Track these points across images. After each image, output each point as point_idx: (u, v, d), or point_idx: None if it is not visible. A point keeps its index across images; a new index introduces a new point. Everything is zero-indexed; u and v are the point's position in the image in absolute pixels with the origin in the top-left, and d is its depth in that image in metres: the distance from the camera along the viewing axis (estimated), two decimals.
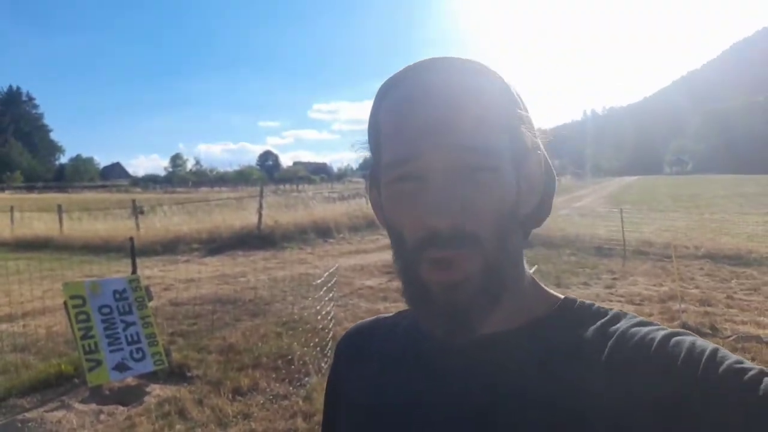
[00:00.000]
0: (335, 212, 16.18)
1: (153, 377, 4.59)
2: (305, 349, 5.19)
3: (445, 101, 0.55)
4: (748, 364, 0.49)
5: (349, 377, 0.72)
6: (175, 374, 4.71)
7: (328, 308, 5.82)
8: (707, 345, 0.51)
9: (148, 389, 4.41)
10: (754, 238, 11.59)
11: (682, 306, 6.45)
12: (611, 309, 0.60)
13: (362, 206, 16.78)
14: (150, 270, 9.68)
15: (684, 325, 5.75)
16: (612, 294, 7.67)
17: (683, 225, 13.42)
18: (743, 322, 6.10)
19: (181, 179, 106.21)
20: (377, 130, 0.61)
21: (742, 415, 0.45)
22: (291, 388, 4.42)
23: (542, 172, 0.62)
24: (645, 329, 0.55)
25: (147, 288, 5.01)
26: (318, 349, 5.11)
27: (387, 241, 0.62)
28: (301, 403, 4.12)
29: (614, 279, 8.68)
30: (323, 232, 14.15)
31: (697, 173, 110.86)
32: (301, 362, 4.91)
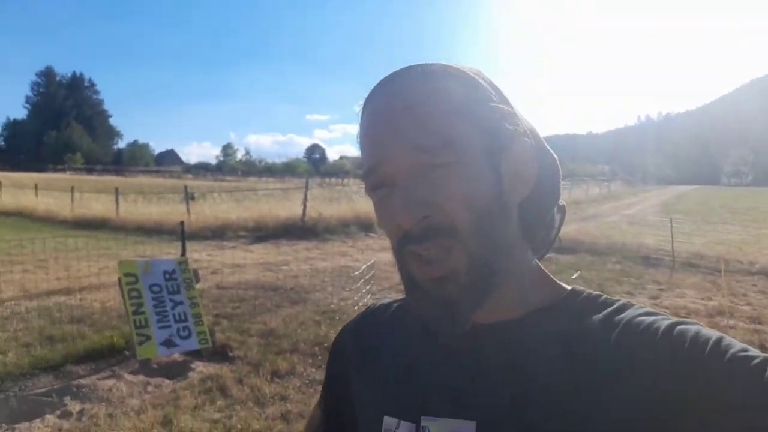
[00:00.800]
0: None
1: (197, 355, 4.79)
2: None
3: (400, 107, 0.57)
4: (753, 351, 0.49)
5: (365, 354, 0.73)
6: (218, 353, 4.91)
7: (365, 300, 5.91)
8: (712, 333, 0.52)
9: (192, 366, 4.61)
10: None
11: (731, 322, 6.26)
12: (618, 299, 0.61)
13: None
14: (198, 254, 10.02)
15: None
16: (656, 305, 7.48)
17: (738, 238, 12.92)
18: None
19: (230, 168, 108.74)
20: (360, 144, 0.63)
21: (748, 401, 0.46)
22: None
23: (531, 158, 0.62)
24: (651, 318, 0.56)
25: (195, 270, 5.23)
26: None
27: None
28: None
29: (660, 290, 8.46)
30: (365, 226, 14.29)
31: (757, 186, 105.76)
32: None
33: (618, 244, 11.76)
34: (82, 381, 4.18)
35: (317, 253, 11.13)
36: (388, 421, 0.63)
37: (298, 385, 4.31)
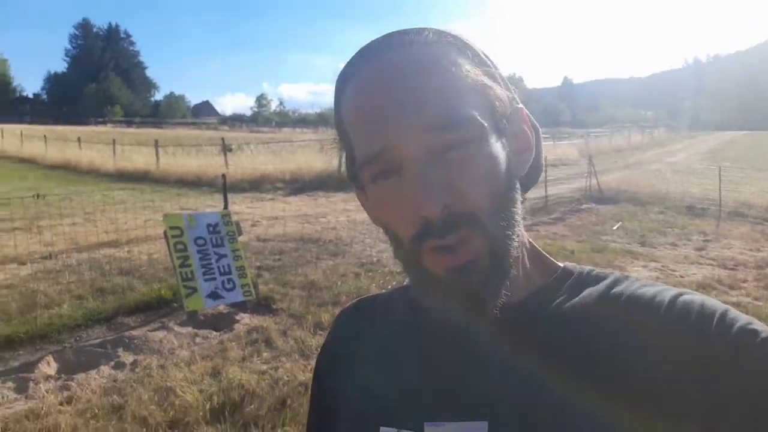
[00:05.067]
0: None
1: (242, 307, 4.92)
2: (382, 290, 5.35)
3: (403, 82, 0.51)
4: (758, 324, 0.49)
5: (355, 351, 0.68)
6: (262, 306, 5.03)
7: None
8: (717, 305, 0.51)
9: (237, 318, 4.74)
10: None
11: None
12: (611, 272, 0.60)
13: None
14: (238, 206, 10.18)
15: None
16: (702, 257, 7.29)
17: None
18: None
19: (265, 119, 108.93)
20: (344, 129, 0.57)
21: (756, 375, 0.46)
22: None
23: (529, 128, 0.59)
24: (652, 290, 0.55)
25: (237, 223, 5.31)
26: None
27: None
28: None
29: (706, 241, 8.22)
30: None
31: None
32: None
33: (661, 193, 11.43)
34: (134, 332, 4.36)
35: (354, 206, 11.14)
36: None
37: None
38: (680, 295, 0.53)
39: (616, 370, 0.50)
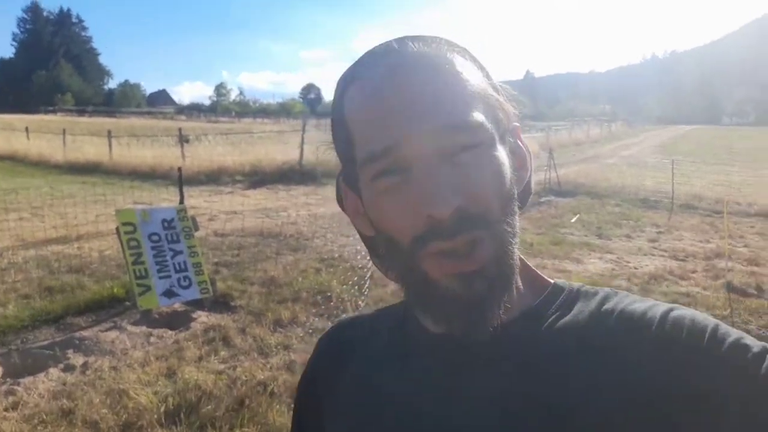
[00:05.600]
0: None
1: (199, 305, 4.80)
2: (343, 286, 5.32)
3: (417, 82, 0.51)
4: (749, 339, 0.49)
5: (337, 378, 0.66)
6: (220, 303, 4.92)
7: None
8: (707, 321, 0.51)
9: (194, 315, 4.63)
10: None
11: (729, 264, 6.28)
12: (601, 288, 0.59)
13: None
14: (195, 200, 9.95)
15: (729, 285, 5.62)
16: (655, 248, 7.51)
17: (738, 180, 12.90)
18: None
19: (224, 109, 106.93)
20: (345, 127, 0.55)
21: (746, 393, 0.46)
22: (329, 323, 4.56)
23: (525, 145, 0.59)
24: (642, 307, 0.54)
25: (193, 218, 5.17)
26: (356, 287, 5.23)
27: None
28: None
29: (659, 233, 8.48)
30: None
31: (759, 125, 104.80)
32: (339, 299, 5.04)
33: (617, 187, 11.73)
34: (84, 333, 4.19)
35: (315, 199, 11.07)
36: None
37: (301, 334, 4.33)
38: (670, 311, 0.53)
39: (611, 392, 0.49)
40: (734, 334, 0.50)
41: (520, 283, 0.58)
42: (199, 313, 4.68)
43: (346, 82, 0.56)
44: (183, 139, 16.42)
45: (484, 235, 0.51)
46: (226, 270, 5.88)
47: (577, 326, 0.55)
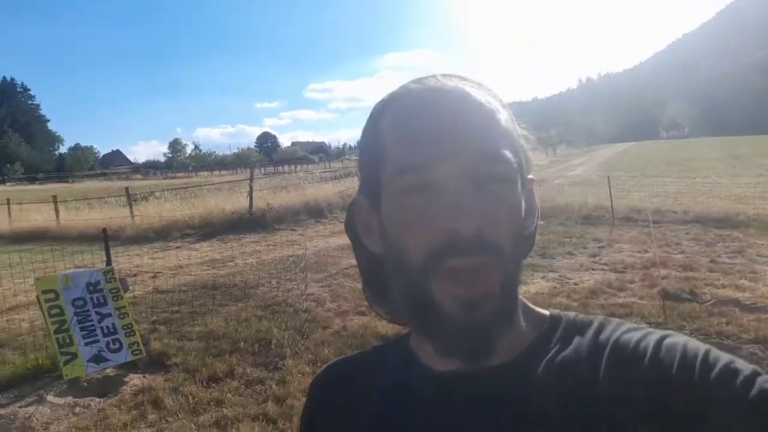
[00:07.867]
0: (327, 192, 16.17)
1: (133, 367, 4.64)
2: (284, 332, 5.24)
3: (460, 108, 0.54)
4: (740, 363, 0.50)
5: (340, 421, 0.65)
6: (155, 363, 4.77)
7: (311, 290, 5.83)
8: (699, 347, 0.52)
9: (126, 379, 4.47)
10: (743, 200, 11.57)
11: (664, 272, 6.46)
12: (595, 317, 0.61)
13: (356, 185, 16.74)
14: (140, 258, 9.73)
15: (664, 291, 5.76)
16: (596, 262, 7.69)
17: (674, 190, 13.35)
18: (723, 286, 6.12)
19: (181, 164, 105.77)
20: (379, 139, 0.57)
21: (736, 417, 0.47)
22: (266, 372, 4.47)
23: (535, 191, 0.61)
24: (635, 336, 0.55)
25: (122, 279, 5.04)
26: (292, 330, 5.16)
27: None
28: (274, 386, 4.17)
29: (600, 247, 8.69)
30: (315, 212, 14.16)
31: (693, 137, 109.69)
32: (278, 345, 4.96)
33: (561, 206, 11.99)
34: (1, 411, 3.99)
35: (265, 245, 10.96)
36: None
37: (235, 386, 4.23)
38: (664, 338, 0.54)
39: (610, 425, 0.50)
40: (725, 358, 0.50)
41: (522, 322, 0.60)
42: (132, 375, 4.53)
43: (382, 107, 0.59)
44: (131, 199, 16.15)
45: (495, 264, 0.52)
46: (164, 327, 5.72)
47: (578, 361, 0.56)
